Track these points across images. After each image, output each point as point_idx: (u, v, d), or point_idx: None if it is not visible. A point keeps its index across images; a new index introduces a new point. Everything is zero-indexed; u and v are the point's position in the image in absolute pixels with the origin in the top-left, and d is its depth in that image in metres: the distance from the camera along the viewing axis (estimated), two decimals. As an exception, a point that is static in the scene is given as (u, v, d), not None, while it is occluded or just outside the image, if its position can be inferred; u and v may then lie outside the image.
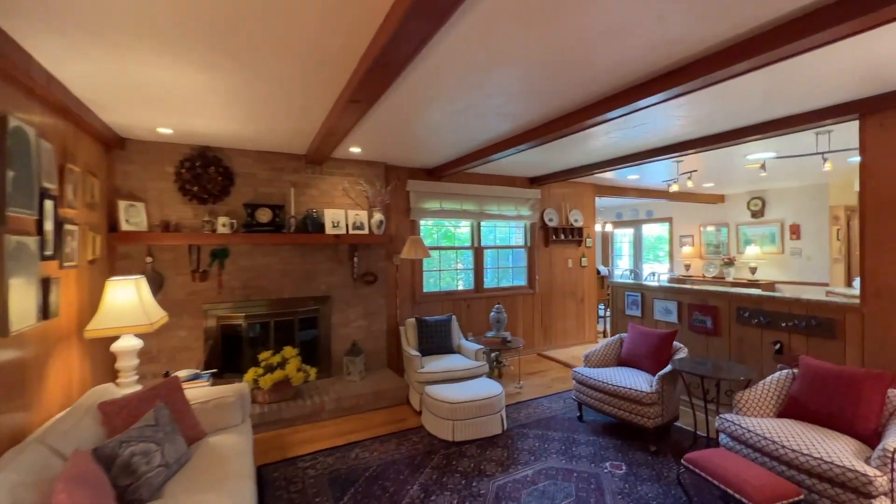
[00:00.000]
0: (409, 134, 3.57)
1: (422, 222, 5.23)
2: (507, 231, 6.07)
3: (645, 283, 4.45)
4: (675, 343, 3.56)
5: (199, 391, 2.60)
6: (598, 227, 6.85)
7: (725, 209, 8.45)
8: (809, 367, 2.67)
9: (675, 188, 4.91)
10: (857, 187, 5.83)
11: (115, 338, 2.66)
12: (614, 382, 3.35)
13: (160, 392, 2.30)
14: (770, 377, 2.84)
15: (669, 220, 9.58)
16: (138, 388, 2.58)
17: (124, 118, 3.02)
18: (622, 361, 3.79)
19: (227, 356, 3.96)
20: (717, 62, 2.09)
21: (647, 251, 10.59)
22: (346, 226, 4.35)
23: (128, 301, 2.59)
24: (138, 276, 2.76)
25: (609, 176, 5.94)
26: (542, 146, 4.01)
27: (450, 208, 5.27)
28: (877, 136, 2.79)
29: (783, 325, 3.28)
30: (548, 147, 4.12)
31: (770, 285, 7.64)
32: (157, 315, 2.75)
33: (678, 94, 2.41)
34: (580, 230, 6.36)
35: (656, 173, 5.79)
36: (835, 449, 2.21)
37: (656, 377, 3.19)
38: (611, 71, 2.31)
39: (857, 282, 5.83)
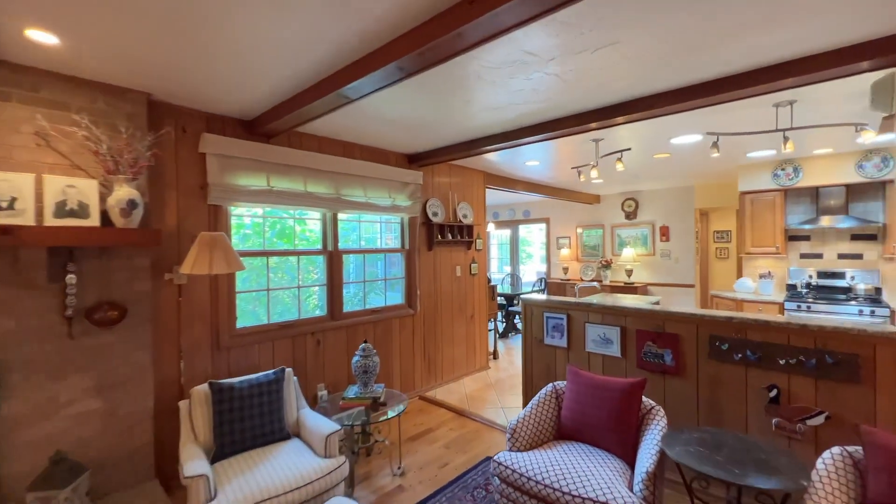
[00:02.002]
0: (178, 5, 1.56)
1: (234, 210, 3.13)
2: (376, 228, 4.33)
3: (577, 300, 3.22)
4: (643, 399, 2.32)
5: None
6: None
7: (601, 210, 8.20)
8: (896, 454, 1.61)
9: (594, 173, 3.86)
10: (744, 187, 5.79)
11: None
12: (567, 488, 1.92)
13: None
14: (822, 468, 1.72)
15: (546, 220, 9.09)
16: None
17: None
18: (564, 433, 2.42)
19: None
20: None
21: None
22: (40, 208, 2.05)
23: None
24: None
25: (494, 158, 4.65)
26: (421, 83, 2.40)
27: (285, 189, 3.27)
28: (927, 89, 1.92)
29: (781, 362, 2.30)
30: (430, 89, 2.52)
31: (644, 288, 7.55)
32: None
33: None
34: (470, 229, 4.99)
35: (560, 160, 4.77)
36: None
37: (641, 475, 1.86)
38: None
39: (740, 283, 5.75)
